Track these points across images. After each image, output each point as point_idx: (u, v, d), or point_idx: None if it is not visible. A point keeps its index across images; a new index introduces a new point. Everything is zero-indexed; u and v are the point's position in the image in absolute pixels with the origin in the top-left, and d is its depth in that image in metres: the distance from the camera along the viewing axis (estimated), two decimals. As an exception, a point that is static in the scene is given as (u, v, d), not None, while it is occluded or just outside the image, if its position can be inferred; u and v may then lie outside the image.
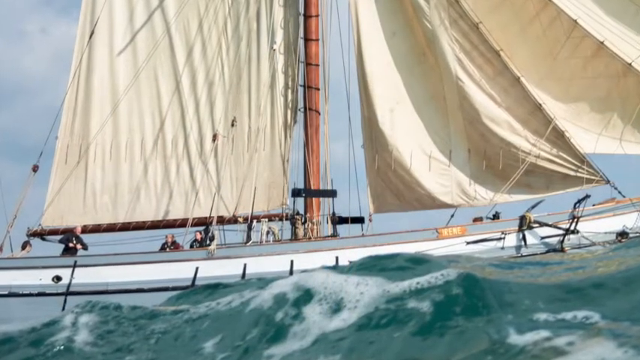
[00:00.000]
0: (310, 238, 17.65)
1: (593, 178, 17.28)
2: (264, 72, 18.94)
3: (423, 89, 18.28)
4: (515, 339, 4.25)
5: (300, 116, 19.04)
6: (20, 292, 16.37)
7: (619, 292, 5.04)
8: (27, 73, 52.20)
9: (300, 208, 18.54)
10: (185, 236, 17.62)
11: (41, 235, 18.62)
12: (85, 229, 18.39)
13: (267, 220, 17.89)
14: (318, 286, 5.52)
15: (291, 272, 14.82)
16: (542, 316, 4.64)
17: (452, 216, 18.15)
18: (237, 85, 19.06)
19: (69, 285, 16.27)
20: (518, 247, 16.15)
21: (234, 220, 18.32)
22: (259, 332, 5.30)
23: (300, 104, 19.04)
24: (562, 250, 15.78)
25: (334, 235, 17.76)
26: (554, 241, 16.06)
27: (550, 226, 16.09)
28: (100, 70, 19.08)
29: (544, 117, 17.40)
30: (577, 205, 16.18)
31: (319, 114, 19.04)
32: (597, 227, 15.93)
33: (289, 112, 19.04)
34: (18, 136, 48.05)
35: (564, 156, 17.41)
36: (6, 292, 16.31)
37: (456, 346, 4.47)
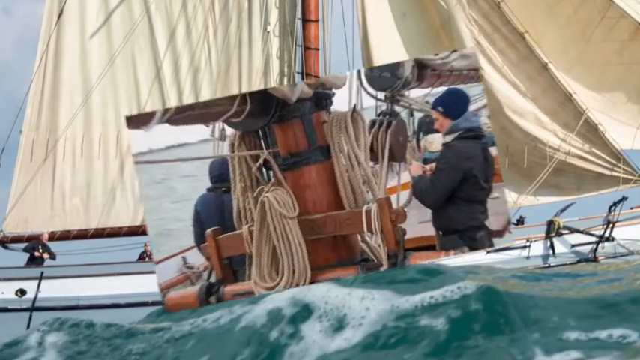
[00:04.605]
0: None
1: (630, 177, 17.29)
2: (256, 57, 18.94)
3: (436, 77, 18.29)
4: (542, 360, 4.27)
5: (298, 107, 19.04)
6: (-21, 308, 16.42)
7: (660, 307, 5.05)
8: (-13, 58, 52.25)
9: (298, 210, 18.53)
10: (166, 244, 17.64)
11: (3, 242, 18.62)
12: (53, 236, 18.40)
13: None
14: (317, 300, 5.53)
15: (287, 285, 14.83)
16: (573, 335, 4.66)
17: (470, 221, 18.15)
18: (225, 72, 19.07)
19: (34, 299, 16.28)
20: (545, 257, 16.14)
21: (222, 226, 18.33)
22: (251, 353, 5.31)
23: (298, 94, 19.05)
24: (595, 259, 15.77)
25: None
26: (586, 249, 16.04)
27: (582, 232, 16.07)
28: (70, 55, 19.06)
29: (575, 108, 17.40)
30: (612, 208, 16.14)
31: (319, 105, 19.04)
32: (635, 234, 15.95)
33: (285, 102, 19.05)
34: (-24, 131, 48.01)
35: (598, 153, 17.41)
36: (-37, 308, 16.38)
37: (474, 369, 4.50)
